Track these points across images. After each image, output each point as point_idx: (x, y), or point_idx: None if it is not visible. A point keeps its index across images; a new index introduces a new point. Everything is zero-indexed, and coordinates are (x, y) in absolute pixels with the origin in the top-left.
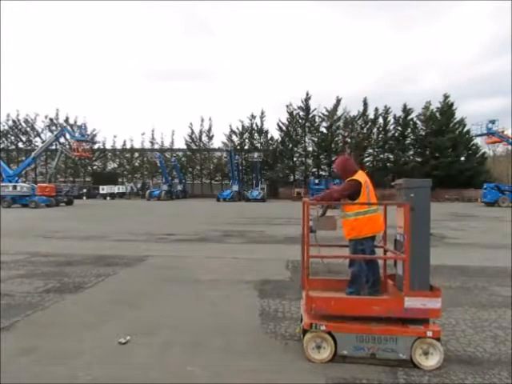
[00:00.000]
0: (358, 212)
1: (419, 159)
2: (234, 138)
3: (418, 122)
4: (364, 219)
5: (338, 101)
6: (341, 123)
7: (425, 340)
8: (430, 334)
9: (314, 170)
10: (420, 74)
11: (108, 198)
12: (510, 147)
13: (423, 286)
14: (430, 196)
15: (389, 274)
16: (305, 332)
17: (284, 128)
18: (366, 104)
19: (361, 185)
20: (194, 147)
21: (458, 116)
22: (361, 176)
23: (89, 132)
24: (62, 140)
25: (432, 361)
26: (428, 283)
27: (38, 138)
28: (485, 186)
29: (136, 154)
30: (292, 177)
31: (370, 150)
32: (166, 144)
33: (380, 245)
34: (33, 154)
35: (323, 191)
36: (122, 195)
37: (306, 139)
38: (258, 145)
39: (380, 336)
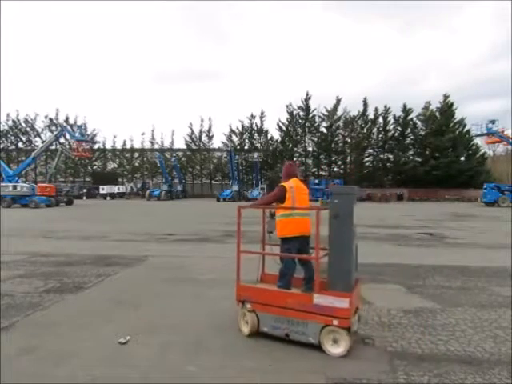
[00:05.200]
0: (282, 214)
1: (419, 159)
2: (234, 138)
3: (417, 122)
4: (286, 221)
5: (338, 101)
6: (341, 123)
7: (331, 328)
8: (335, 322)
9: (314, 170)
10: (421, 76)
11: (108, 197)
12: (510, 147)
13: (344, 287)
14: (355, 202)
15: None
16: None
17: (284, 128)
18: (365, 104)
19: (285, 190)
20: (194, 147)
21: (457, 116)
22: (290, 182)
23: (89, 132)
24: (62, 140)
25: (338, 349)
26: (349, 285)
27: (37, 138)
28: (485, 186)
29: (136, 154)
30: None
31: (370, 150)
32: (166, 144)
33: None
34: (33, 153)
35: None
36: (121, 195)
37: (306, 139)
38: (258, 145)
39: (293, 319)
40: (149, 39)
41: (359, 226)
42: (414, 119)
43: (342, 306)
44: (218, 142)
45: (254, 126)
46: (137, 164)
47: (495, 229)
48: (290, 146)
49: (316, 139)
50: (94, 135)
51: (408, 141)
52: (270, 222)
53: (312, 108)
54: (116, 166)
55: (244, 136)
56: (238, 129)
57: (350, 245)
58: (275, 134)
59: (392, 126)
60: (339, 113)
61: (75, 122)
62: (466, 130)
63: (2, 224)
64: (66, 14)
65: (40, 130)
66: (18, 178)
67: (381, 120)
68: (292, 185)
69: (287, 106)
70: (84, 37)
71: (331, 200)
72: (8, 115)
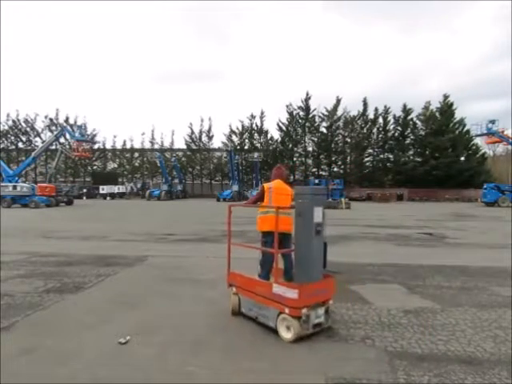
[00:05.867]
0: (261, 212)
1: (419, 159)
2: (234, 138)
3: (417, 122)
4: (263, 217)
5: (338, 101)
6: (341, 123)
7: (284, 316)
8: (287, 310)
9: (314, 169)
10: (422, 77)
11: (108, 198)
12: (510, 147)
13: (304, 279)
14: (322, 202)
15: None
16: None
17: (284, 128)
18: (365, 104)
19: (264, 190)
20: (194, 147)
21: (457, 116)
22: (271, 183)
23: (89, 132)
24: (62, 140)
25: (288, 334)
26: (308, 278)
27: (37, 138)
28: (485, 186)
29: (136, 154)
30: (292, 177)
31: (370, 150)
32: (166, 144)
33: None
34: (33, 154)
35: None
36: (121, 195)
37: (306, 139)
38: (258, 145)
39: (259, 304)
40: (149, 39)
41: (359, 226)
42: (414, 119)
43: (292, 296)
44: (218, 142)
45: (254, 125)
46: (137, 164)
47: (495, 229)
48: (290, 145)
49: (316, 139)
50: (94, 135)
51: (408, 141)
52: None
53: (312, 108)
54: (116, 165)
55: (244, 136)
56: (238, 129)
57: (310, 241)
58: (275, 134)
59: (392, 126)
60: (339, 113)
61: (75, 122)
62: (465, 129)
63: (2, 224)
64: (66, 13)
65: (40, 130)
66: (18, 177)
67: (381, 120)
68: (271, 186)
69: (287, 106)
70: (84, 37)
71: (296, 200)
72: (8, 115)
